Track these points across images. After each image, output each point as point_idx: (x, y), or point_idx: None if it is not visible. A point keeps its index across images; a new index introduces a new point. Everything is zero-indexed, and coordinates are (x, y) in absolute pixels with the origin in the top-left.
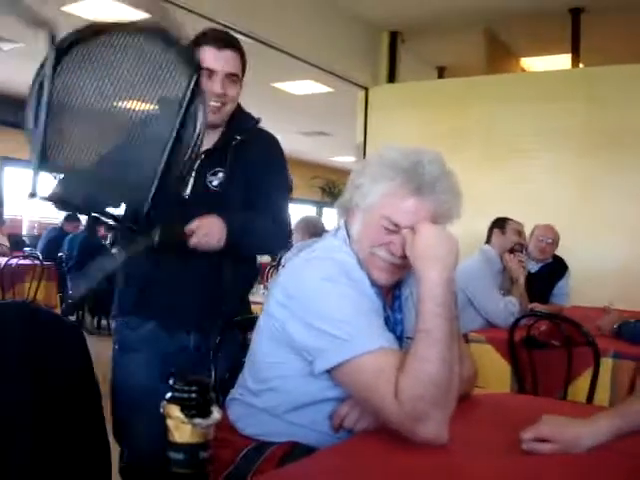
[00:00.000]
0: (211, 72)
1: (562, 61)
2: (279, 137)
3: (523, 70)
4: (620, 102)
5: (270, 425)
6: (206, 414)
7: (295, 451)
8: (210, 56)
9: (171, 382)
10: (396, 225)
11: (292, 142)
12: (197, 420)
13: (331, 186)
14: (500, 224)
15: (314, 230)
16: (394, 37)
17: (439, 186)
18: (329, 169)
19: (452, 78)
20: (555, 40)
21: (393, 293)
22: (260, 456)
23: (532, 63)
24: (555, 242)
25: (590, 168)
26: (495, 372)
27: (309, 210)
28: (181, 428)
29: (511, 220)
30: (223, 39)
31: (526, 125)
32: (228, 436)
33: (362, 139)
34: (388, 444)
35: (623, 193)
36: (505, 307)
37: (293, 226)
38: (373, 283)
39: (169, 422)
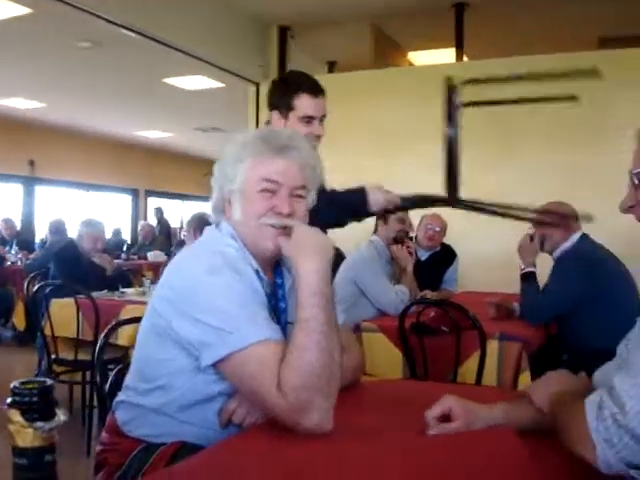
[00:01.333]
0: (311, 118)
1: (447, 55)
2: (174, 134)
3: (410, 64)
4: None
5: (159, 425)
6: (49, 417)
7: (184, 450)
8: (310, 104)
9: (11, 386)
10: (276, 182)
11: (188, 138)
12: (39, 424)
13: None
14: (383, 215)
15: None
16: (284, 32)
17: (297, 143)
18: None
19: (342, 73)
20: (440, 34)
21: (275, 282)
22: (149, 458)
23: (418, 57)
24: (443, 230)
25: (476, 159)
26: (387, 359)
27: (202, 207)
28: (22, 433)
29: None
30: (317, 86)
31: (412, 118)
32: (116, 439)
33: None
34: (277, 438)
35: (508, 183)
36: (396, 296)
37: (185, 224)
38: (258, 275)
39: (10, 427)
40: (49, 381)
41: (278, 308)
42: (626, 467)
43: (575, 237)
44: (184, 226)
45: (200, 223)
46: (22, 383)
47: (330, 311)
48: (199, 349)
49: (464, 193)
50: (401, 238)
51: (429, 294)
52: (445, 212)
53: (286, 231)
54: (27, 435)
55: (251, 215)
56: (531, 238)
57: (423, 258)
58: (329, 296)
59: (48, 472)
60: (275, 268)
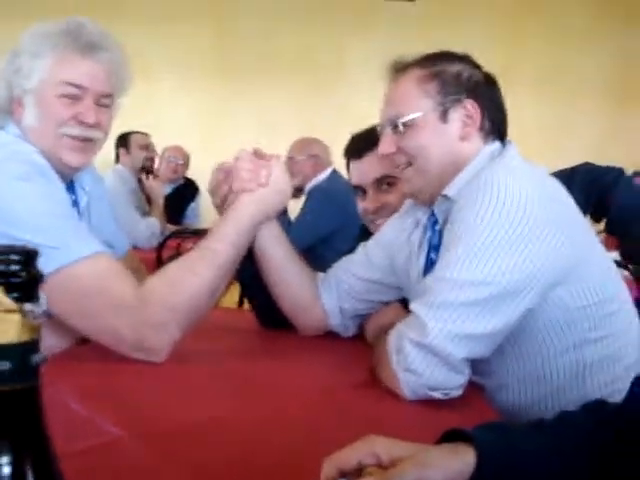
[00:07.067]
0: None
1: None
2: None
3: None
4: (251, 28)
5: None
6: (35, 296)
7: None
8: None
9: None
10: (80, 87)
11: None
12: (28, 306)
13: None
14: (123, 142)
15: None
16: None
17: (108, 42)
18: None
19: None
20: None
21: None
22: None
23: None
24: (186, 163)
25: (219, 91)
26: None
27: None
28: (6, 320)
29: (134, 133)
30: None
31: (153, 45)
32: None
33: None
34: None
35: (250, 119)
36: (146, 228)
37: None
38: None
39: None
40: (32, 247)
41: None
42: (429, 391)
43: (327, 172)
44: None
45: None
46: None
47: (239, 256)
48: None
49: None
50: (149, 166)
51: (171, 228)
52: (188, 145)
53: (88, 145)
54: (12, 324)
55: (50, 122)
56: None
57: (166, 192)
58: (246, 245)
59: (36, 380)
60: (67, 185)
